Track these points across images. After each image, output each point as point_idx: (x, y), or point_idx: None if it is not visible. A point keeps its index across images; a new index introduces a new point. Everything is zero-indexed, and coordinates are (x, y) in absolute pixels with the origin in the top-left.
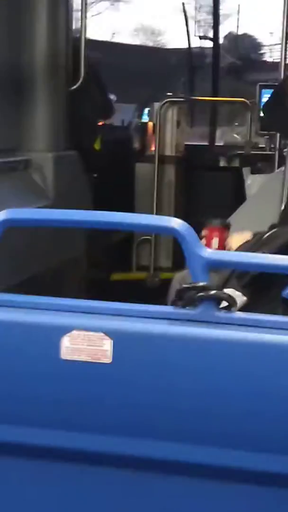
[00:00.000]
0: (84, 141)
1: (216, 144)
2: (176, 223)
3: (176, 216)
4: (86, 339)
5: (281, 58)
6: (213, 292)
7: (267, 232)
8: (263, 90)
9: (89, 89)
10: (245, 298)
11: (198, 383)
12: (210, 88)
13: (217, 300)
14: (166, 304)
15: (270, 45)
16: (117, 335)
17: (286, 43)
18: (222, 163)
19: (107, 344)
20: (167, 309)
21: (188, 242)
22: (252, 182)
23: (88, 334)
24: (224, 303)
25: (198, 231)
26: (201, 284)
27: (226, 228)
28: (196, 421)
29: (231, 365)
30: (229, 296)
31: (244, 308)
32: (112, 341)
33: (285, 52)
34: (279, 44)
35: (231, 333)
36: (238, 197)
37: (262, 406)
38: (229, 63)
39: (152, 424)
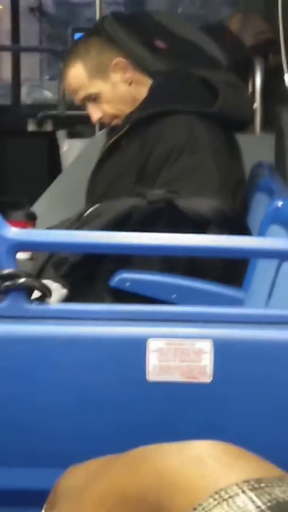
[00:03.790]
0: None
1: (23, 103)
2: None
3: None
4: None
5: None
6: (22, 280)
7: (88, 209)
8: (76, 35)
9: None
10: (64, 290)
11: (8, 388)
12: (9, 32)
13: (27, 290)
14: None
15: None
16: None
17: None
18: (31, 127)
19: None
20: None
21: None
22: (69, 148)
23: None
24: (37, 294)
25: (5, 213)
26: (6, 271)
27: (30, 221)
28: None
29: (47, 366)
30: (42, 284)
31: (66, 302)
32: None
33: None
34: None
35: (46, 328)
36: (53, 167)
37: (90, 411)
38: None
39: None
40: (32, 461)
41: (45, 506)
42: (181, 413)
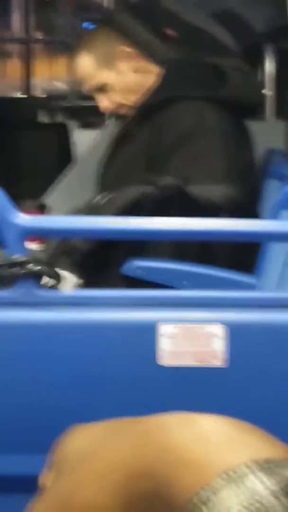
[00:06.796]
0: None
1: (34, 95)
2: None
3: None
4: None
5: None
6: (32, 266)
7: (99, 199)
8: (85, 25)
9: None
10: (75, 278)
11: (21, 374)
12: (20, 23)
13: (38, 276)
14: None
15: None
16: None
17: None
18: (42, 118)
19: None
20: None
21: None
22: (80, 139)
23: None
24: (49, 281)
25: (18, 202)
26: (17, 258)
27: (41, 211)
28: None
29: (59, 352)
30: (53, 270)
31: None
32: None
33: None
34: None
35: (57, 315)
36: (65, 158)
37: (102, 397)
38: None
39: None
40: (44, 446)
41: (45, 469)
42: (195, 397)
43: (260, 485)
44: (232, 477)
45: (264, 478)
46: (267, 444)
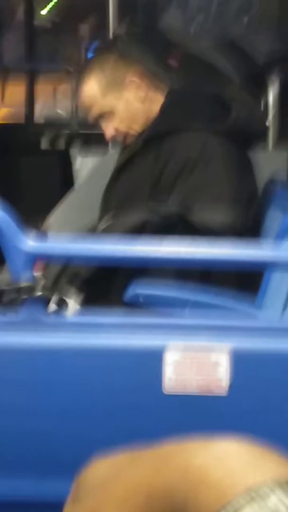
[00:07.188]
0: None
1: (36, 122)
2: None
3: None
4: None
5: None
6: (37, 291)
7: (101, 225)
8: (90, 54)
9: None
10: (76, 303)
11: (26, 398)
12: (23, 51)
13: (44, 301)
14: None
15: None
16: None
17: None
18: (44, 145)
19: None
20: None
21: (4, 230)
22: (82, 166)
23: None
24: (54, 306)
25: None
26: (24, 283)
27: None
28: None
29: (64, 377)
30: (58, 295)
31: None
32: None
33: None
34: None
35: (63, 340)
36: (66, 185)
37: (106, 422)
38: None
39: None
40: (47, 471)
41: (68, 498)
42: (197, 425)
43: (282, 505)
44: (254, 496)
45: (286, 499)
46: (285, 465)
